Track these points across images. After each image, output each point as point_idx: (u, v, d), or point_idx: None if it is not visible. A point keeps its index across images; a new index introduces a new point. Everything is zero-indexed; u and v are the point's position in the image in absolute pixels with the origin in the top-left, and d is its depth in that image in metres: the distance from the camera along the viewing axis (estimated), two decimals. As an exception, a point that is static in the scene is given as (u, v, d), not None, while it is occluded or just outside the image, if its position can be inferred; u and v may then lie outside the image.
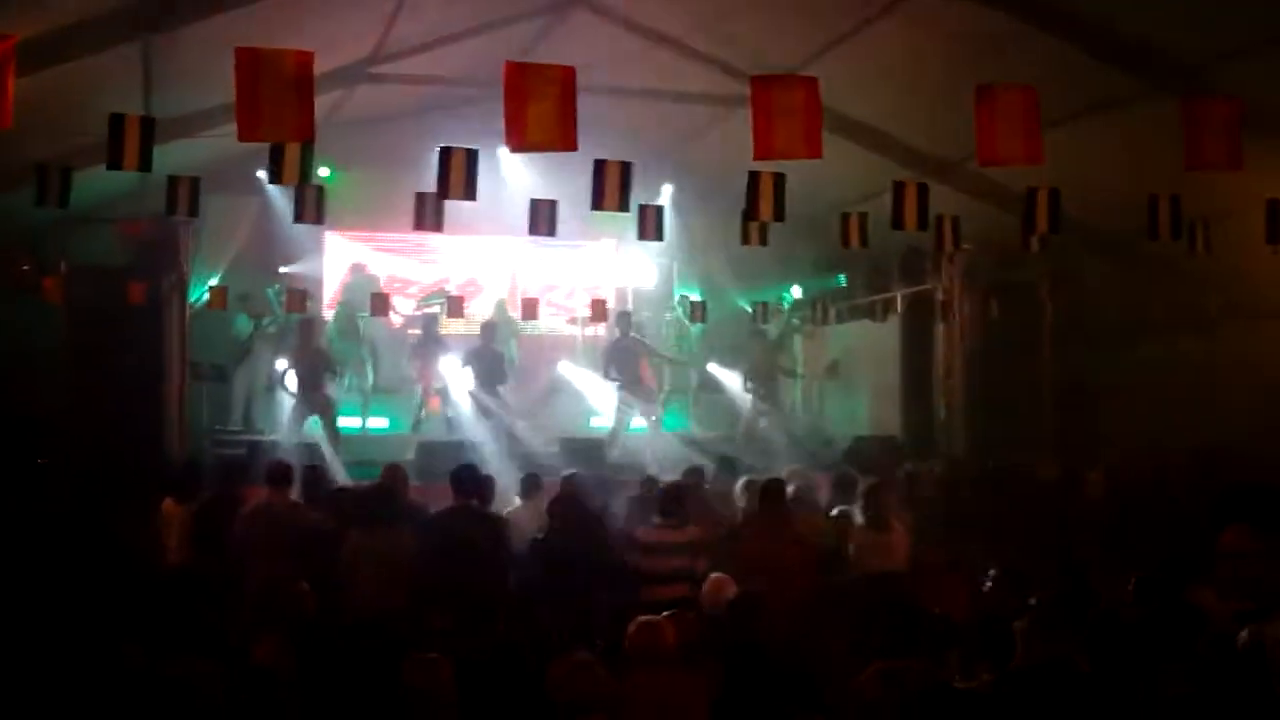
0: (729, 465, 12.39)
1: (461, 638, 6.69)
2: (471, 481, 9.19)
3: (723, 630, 7.01)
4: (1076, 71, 12.03)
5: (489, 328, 16.29)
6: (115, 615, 6.94)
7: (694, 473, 11.42)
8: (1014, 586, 7.23)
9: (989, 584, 7.48)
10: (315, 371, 14.98)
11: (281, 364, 15.63)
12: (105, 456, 12.76)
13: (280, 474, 9.34)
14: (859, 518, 9.40)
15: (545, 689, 5.89)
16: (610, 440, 16.08)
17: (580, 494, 10.06)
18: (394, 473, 9.84)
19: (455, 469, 9.38)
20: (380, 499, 9.07)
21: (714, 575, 7.94)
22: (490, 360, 15.85)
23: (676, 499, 9.37)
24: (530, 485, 10.68)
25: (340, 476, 13.00)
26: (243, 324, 17.13)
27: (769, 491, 9.41)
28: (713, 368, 19.20)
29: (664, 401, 18.47)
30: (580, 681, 5.91)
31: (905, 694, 5.37)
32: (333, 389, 15.72)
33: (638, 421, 16.73)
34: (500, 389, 16.01)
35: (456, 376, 16.41)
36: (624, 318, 17.18)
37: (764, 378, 16.96)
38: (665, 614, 6.55)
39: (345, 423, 16.80)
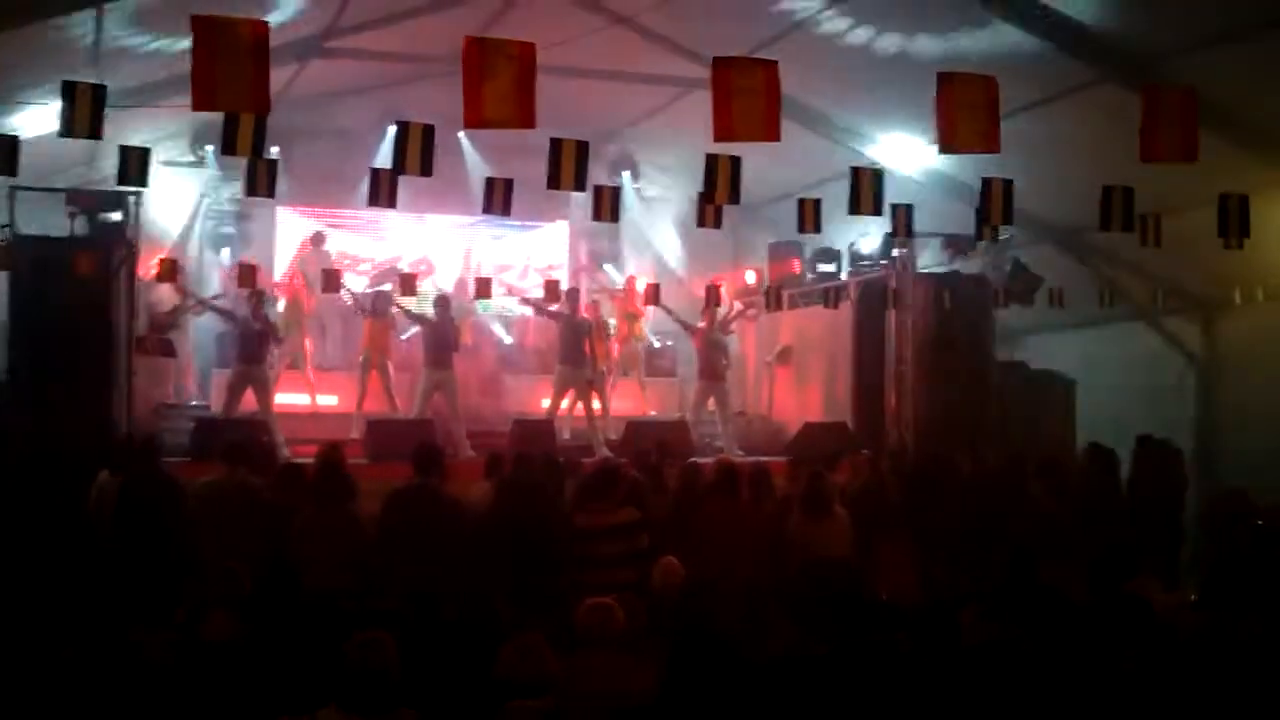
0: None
1: (410, 618, 6.65)
2: (429, 460, 9.13)
3: (672, 613, 7.00)
4: (1035, 61, 12.13)
5: (443, 300, 16.15)
6: (57, 584, 6.88)
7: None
8: (960, 574, 7.30)
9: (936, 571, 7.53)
10: (259, 344, 14.83)
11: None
12: (50, 427, 12.59)
13: (233, 451, 9.27)
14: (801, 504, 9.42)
15: (494, 670, 5.87)
16: (552, 419, 16.00)
17: (530, 475, 10.00)
18: (333, 452, 9.75)
19: (415, 447, 9.32)
20: (331, 475, 9.00)
21: (663, 559, 7.92)
22: (443, 333, 15.72)
23: (608, 482, 9.28)
24: (493, 466, 10.63)
25: (283, 453, 12.94)
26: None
27: (723, 475, 9.40)
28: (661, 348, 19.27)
29: (614, 383, 18.45)
30: (529, 663, 5.89)
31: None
32: (272, 361, 15.65)
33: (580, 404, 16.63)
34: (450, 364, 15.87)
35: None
36: (572, 295, 17.08)
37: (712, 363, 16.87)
38: (613, 596, 6.53)
39: (292, 399, 16.75)
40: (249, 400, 14.73)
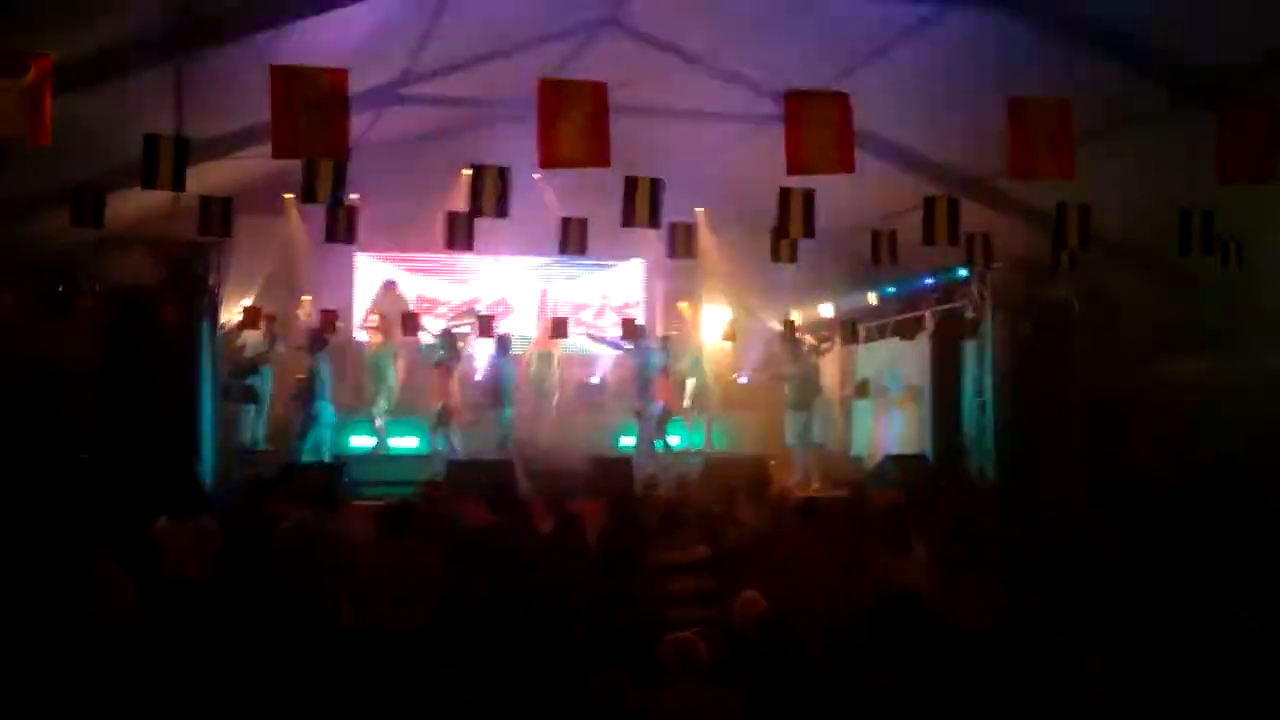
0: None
1: (491, 653, 6.70)
2: (506, 500, 9.19)
3: (754, 647, 6.99)
4: (1108, 85, 12.00)
5: (504, 340, 16.34)
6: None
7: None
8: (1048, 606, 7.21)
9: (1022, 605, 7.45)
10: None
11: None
12: (140, 476, 12.79)
13: (313, 490, 9.40)
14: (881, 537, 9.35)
15: (580, 706, 5.90)
16: (636, 458, 16.09)
17: (612, 514, 10.03)
18: (434, 489, 9.87)
19: (490, 487, 9.39)
20: (403, 513, 9.09)
21: (745, 592, 7.91)
22: (498, 374, 15.97)
23: (674, 519, 9.30)
24: (556, 507, 10.69)
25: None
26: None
27: (803, 508, 9.37)
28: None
29: (695, 419, 18.54)
30: (612, 698, 5.92)
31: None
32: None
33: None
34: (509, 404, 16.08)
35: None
36: (638, 330, 17.19)
37: (797, 396, 16.85)
38: (696, 630, 6.54)
39: (358, 442, 17.12)
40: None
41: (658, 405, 16.73)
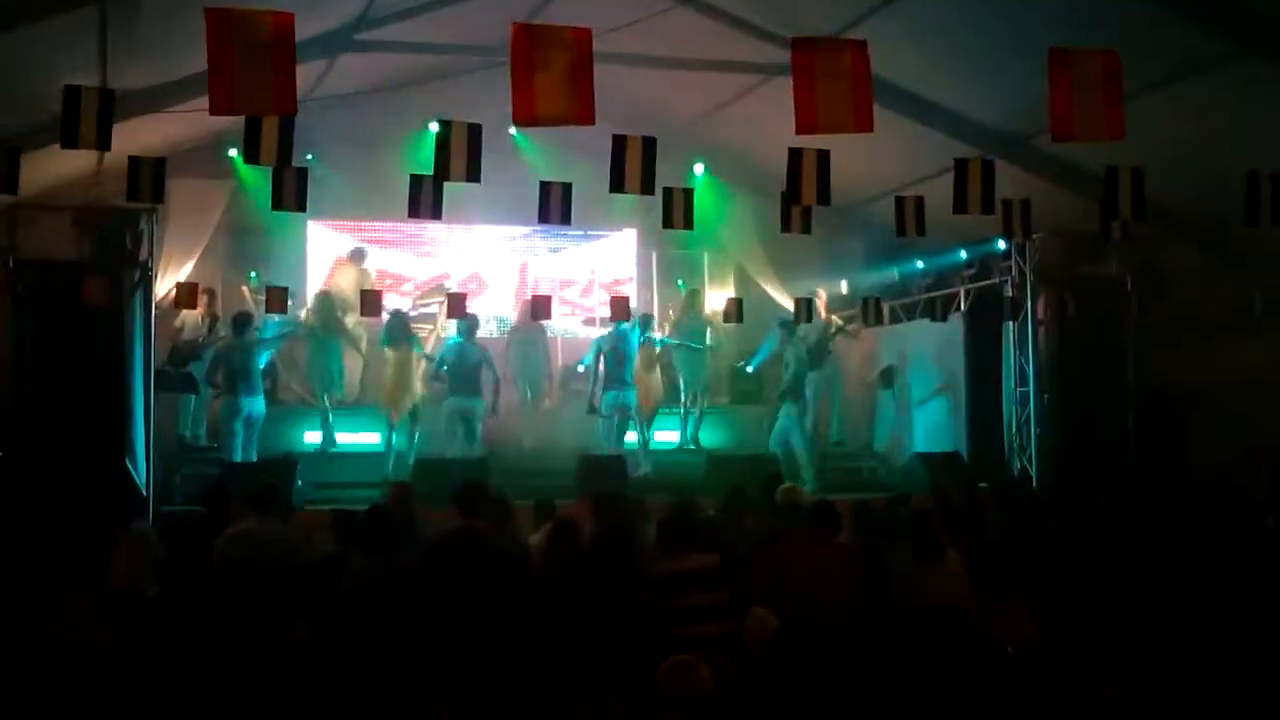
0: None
1: (467, 680, 6.69)
2: (478, 502, 9.16)
3: (767, 670, 6.98)
4: (1161, 32, 11.96)
5: (471, 322, 16.36)
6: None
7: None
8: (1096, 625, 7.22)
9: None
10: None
11: None
12: (64, 476, 12.76)
13: (263, 497, 9.41)
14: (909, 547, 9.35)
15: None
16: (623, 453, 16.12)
17: (604, 520, 10.01)
18: (400, 492, 9.85)
19: (460, 487, 9.35)
20: (382, 522, 9.08)
21: (755, 609, 7.91)
22: (469, 364, 15.97)
23: (680, 526, 9.26)
24: (545, 511, 10.69)
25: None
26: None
27: (820, 515, 9.36)
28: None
29: (689, 411, 18.57)
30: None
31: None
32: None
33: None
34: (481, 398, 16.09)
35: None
36: (628, 310, 17.16)
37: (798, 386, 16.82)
38: (697, 653, 6.53)
39: (313, 438, 17.32)
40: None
41: (628, 395, 16.67)
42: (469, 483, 9.59)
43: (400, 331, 16.68)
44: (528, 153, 17.52)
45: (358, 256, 19.54)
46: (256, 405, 15.55)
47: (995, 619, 8.89)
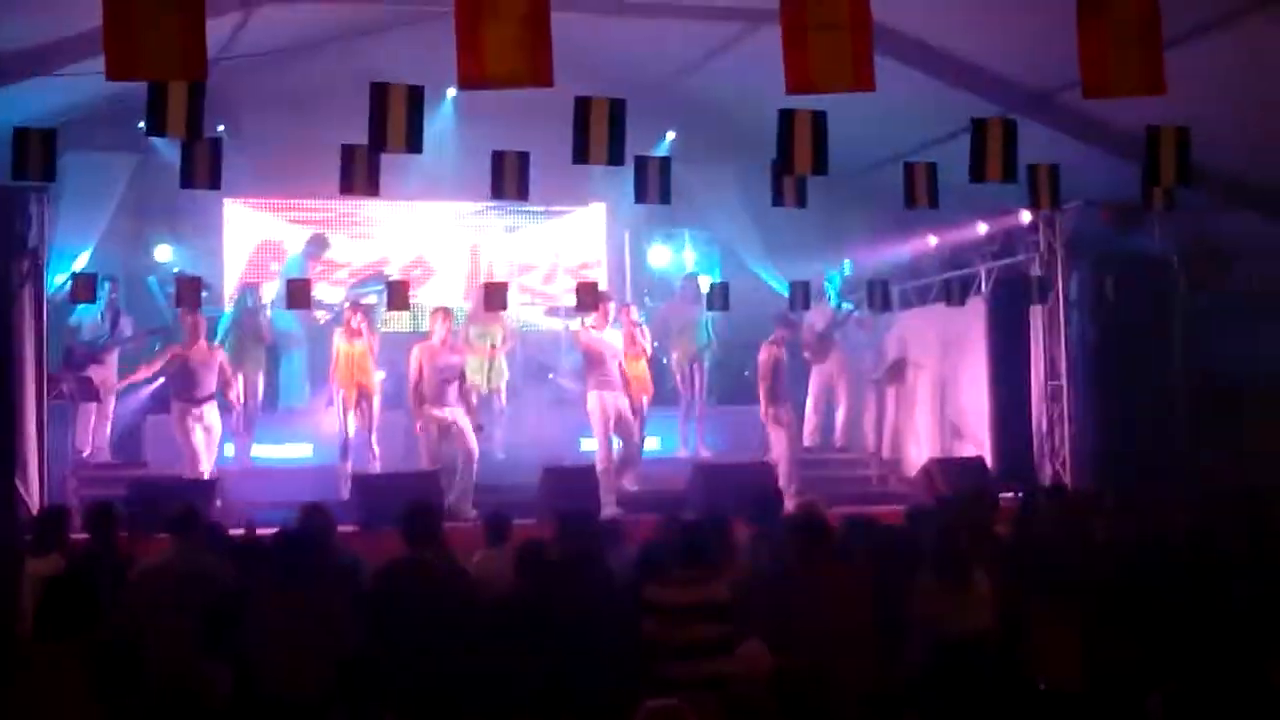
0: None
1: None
2: (426, 527, 9.14)
3: (760, 716, 6.99)
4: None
5: (440, 317, 16.31)
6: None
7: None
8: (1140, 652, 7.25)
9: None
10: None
11: None
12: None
13: (182, 519, 9.38)
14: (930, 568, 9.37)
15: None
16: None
17: (570, 539, 10.01)
18: (314, 517, 9.81)
19: (405, 510, 9.31)
20: (299, 550, 9.03)
21: (745, 644, 7.91)
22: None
23: (699, 545, 9.19)
24: (497, 529, 10.67)
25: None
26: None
27: (811, 531, 9.35)
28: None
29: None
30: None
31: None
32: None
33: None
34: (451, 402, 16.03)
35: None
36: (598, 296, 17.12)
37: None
38: (681, 694, 6.53)
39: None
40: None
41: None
42: (414, 505, 9.54)
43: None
44: (477, 118, 17.50)
45: (318, 246, 19.25)
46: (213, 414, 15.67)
47: (1029, 647, 8.94)
